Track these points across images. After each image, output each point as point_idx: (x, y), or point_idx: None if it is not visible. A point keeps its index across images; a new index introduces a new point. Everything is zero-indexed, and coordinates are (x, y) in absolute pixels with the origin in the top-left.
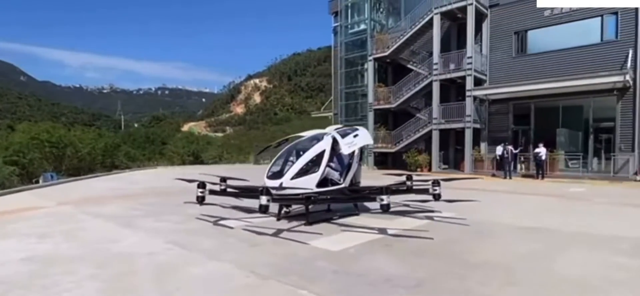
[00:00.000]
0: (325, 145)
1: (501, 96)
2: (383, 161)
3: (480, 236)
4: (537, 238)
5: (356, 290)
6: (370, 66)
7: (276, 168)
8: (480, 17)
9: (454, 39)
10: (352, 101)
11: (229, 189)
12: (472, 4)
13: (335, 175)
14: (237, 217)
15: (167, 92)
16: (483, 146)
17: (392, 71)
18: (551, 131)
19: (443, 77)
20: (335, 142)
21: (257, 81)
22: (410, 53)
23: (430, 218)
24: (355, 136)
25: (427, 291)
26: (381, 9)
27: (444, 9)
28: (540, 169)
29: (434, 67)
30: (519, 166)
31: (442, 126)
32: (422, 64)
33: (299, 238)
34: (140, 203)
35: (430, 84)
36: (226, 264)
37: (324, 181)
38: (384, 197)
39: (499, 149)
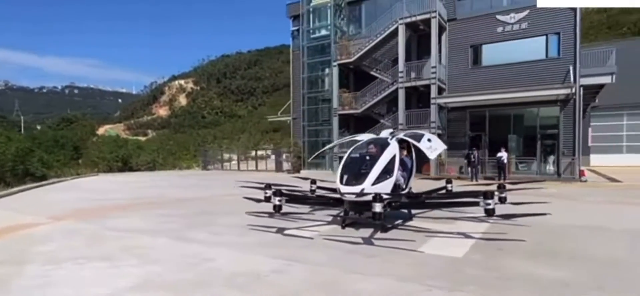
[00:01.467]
0: (395, 150)
1: (459, 104)
2: None
3: (560, 237)
4: (608, 235)
5: (546, 292)
6: (334, 72)
7: (347, 175)
8: (440, 30)
9: (414, 49)
10: (313, 105)
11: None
12: (435, 17)
13: (401, 180)
14: (296, 226)
15: (76, 91)
16: (443, 151)
17: (354, 77)
18: (504, 136)
19: (408, 85)
20: (401, 148)
21: (182, 82)
22: (372, 60)
23: (485, 220)
24: (429, 140)
25: (604, 288)
26: (342, 16)
27: (408, 20)
28: (502, 172)
29: (400, 75)
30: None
31: (408, 132)
32: (385, 71)
33: (395, 245)
34: (156, 213)
35: (395, 91)
36: (388, 279)
37: (394, 187)
38: (490, 201)
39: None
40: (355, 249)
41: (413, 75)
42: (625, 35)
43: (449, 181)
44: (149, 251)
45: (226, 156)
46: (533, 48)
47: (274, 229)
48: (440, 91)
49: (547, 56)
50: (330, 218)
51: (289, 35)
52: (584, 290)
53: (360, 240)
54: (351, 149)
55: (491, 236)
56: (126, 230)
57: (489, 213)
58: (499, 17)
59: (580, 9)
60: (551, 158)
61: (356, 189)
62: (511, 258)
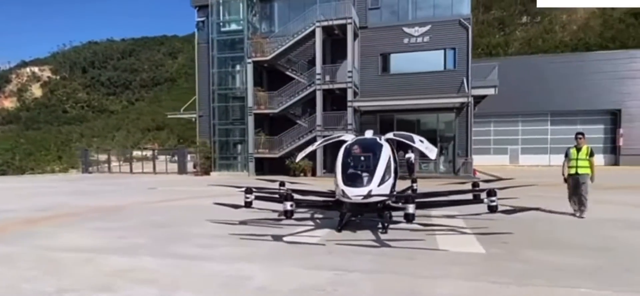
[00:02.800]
0: (389, 151)
1: (371, 108)
2: (259, 168)
3: (545, 226)
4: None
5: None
6: (249, 69)
7: (349, 176)
8: (353, 36)
9: (328, 52)
10: (223, 102)
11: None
12: (351, 23)
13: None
14: (285, 233)
15: None
16: None
17: (267, 75)
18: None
19: (325, 87)
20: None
21: (35, 69)
22: (288, 60)
23: (456, 216)
24: (421, 141)
25: (632, 270)
26: (254, 12)
27: (325, 23)
28: (412, 171)
29: (317, 77)
30: None
31: (326, 133)
32: (301, 72)
33: (412, 245)
34: (95, 227)
35: (312, 93)
36: (457, 280)
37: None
38: (494, 199)
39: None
40: (383, 252)
41: (327, 78)
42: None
43: (414, 181)
44: (155, 275)
45: (102, 157)
46: (434, 60)
47: (268, 237)
48: (354, 94)
49: (445, 67)
50: (310, 222)
51: (177, 23)
52: (617, 273)
53: (373, 242)
54: (343, 149)
55: (484, 231)
56: (80, 250)
57: (493, 209)
58: (405, 29)
59: (472, 29)
60: (446, 158)
61: (363, 191)
62: (527, 250)
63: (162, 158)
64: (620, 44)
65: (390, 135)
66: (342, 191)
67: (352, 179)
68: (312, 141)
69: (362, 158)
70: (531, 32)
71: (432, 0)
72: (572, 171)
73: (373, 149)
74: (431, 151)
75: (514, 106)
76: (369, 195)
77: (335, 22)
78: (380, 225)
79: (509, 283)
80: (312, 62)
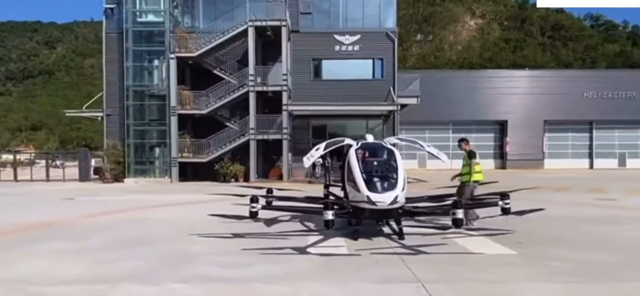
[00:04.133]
0: (399, 155)
1: (305, 113)
2: (182, 173)
3: (538, 223)
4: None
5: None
6: (172, 65)
7: (371, 182)
8: (287, 39)
9: (259, 53)
10: (139, 101)
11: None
12: (285, 25)
13: None
14: (295, 244)
15: None
16: (288, 156)
17: (191, 73)
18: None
19: (259, 89)
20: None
21: None
22: (215, 59)
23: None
24: (429, 145)
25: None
26: (175, 4)
27: (258, 23)
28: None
29: (250, 78)
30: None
31: (260, 137)
32: (231, 72)
33: (447, 250)
34: (53, 250)
35: (244, 94)
36: (537, 283)
37: None
38: (508, 201)
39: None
40: (428, 259)
41: (259, 80)
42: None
43: None
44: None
45: None
46: (363, 68)
47: (288, 250)
48: (288, 98)
49: (373, 76)
50: (307, 229)
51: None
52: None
53: (404, 250)
54: (353, 154)
55: (486, 233)
56: (71, 282)
57: (506, 211)
58: (336, 36)
59: (397, 41)
60: None
61: (389, 196)
62: (549, 247)
63: (42, 162)
64: (496, 64)
65: (394, 139)
66: (367, 197)
67: (376, 185)
68: (246, 144)
69: (383, 164)
70: (425, 49)
71: (361, 11)
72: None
73: (389, 153)
74: (441, 155)
75: (422, 115)
76: (395, 201)
77: (270, 23)
78: (390, 231)
79: (579, 282)
80: (241, 62)
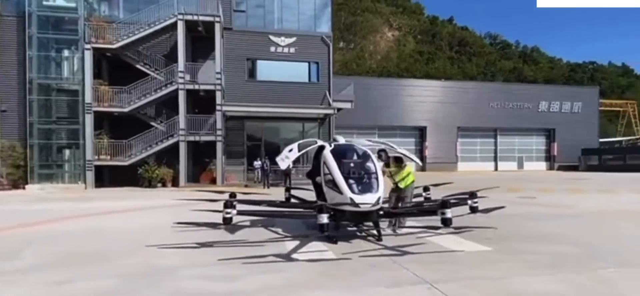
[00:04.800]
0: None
1: (239, 114)
2: (98, 178)
3: (492, 221)
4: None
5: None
6: (87, 57)
7: (354, 184)
8: (221, 35)
9: (188, 50)
10: (44, 96)
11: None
12: (219, 21)
13: None
14: (277, 251)
15: None
16: (222, 159)
17: (108, 67)
18: (277, 147)
19: (190, 87)
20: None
21: None
22: (138, 53)
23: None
24: (399, 148)
25: (618, 253)
26: None
27: (189, 17)
28: (288, 178)
29: (180, 75)
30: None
31: (190, 138)
32: (157, 68)
33: (427, 249)
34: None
35: (172, 92)
36: (529, 277)
37: None
38: (476, 201)
39: (258, 163)
40: (419, 259)
41: (188, 77)
42: None
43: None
44: None
45: None
46: (299, 71)
47: (271, 257)
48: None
49: (309, 80)
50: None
51: None
52: (602, 256)
53: (389, 251)
54: (330, 156)
55: (454, 231)
56: None
57: (474, 210)
58: (272, 37)
59: (332, 46)
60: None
61: (372, 198)
62: (515, 243)
63: None
64: (411, 74)
65: (365, 141)
66: (351, 199)
67: (359, 188)
68: (174, 146)
69: (362, 166)
70: (347, 56)
71: (296, 14)
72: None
73: (366, 156)
74: (415, 158)
75: (350, 120)
76: (377, 202)
77: (202, 18)
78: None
79: (563, 272)
80: (168, 58)
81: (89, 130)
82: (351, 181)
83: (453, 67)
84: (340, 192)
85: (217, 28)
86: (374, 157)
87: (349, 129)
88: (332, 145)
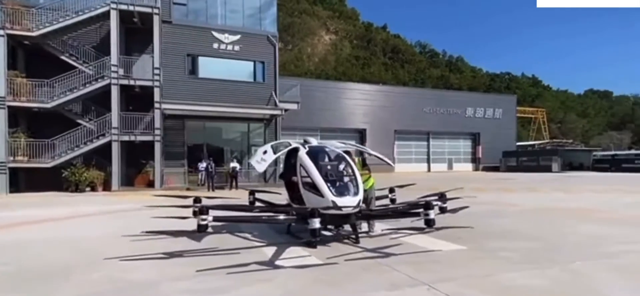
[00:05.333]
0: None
1: (179, 112)
2: (14, 182)
3: (452, 220)
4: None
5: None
6: (1, 44)
7: (334, 186)
8: (159, 29)
9: (122, 42)
10: None
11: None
12: (157, 13)
13: None
14: (259, 259)
15: None
16: (160, 160)
17: (26, 57)
18: (220, 148)
19: (124, 82)
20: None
21: None
22: (63, 42)
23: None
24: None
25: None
26: None
27: (123, 7)
28: (235, 181)
29: (113, 69)
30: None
31: (125, 137)
32: (87, 60)
33: (406, 250)
34: None
35: (104, 87)
36: (510, 273)
37: None
38: (446, 202)
39: (202, 165)
40: (406, 260)
41: (122, 72)
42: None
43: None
44: None
45: None
46: (244, 70)
47: (254, 266)
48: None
49: (255, 79)
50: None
51: None
52: (563, 250)
53: (370, 254)
54: (306, 158)
55: (453, 227)
56: None
57: (443, 210)
58: (215, 33)
59: (278, 46)
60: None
61: (354, 200)
62: (485, 240)
63: None
64: (348, 77)
65: (337, 142)
66: (333, 202)
67: (341, 190)
68: (106, 146)
69: (340, 168)
70: (285, 57)
71: (241, 11)
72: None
73: (343, 157)
74: (388, 160)
75: (293, 121)
76: (358, 205)
77: (138, 8)
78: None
79: (539, 267)
80: (98, 50)
81: (1, 127)
82: (332, 184)
83: (387, 72)
84: (321, 195)
85: (156, 20)
86: (349, 159)
87: (291, 130)
88: (306, 147)
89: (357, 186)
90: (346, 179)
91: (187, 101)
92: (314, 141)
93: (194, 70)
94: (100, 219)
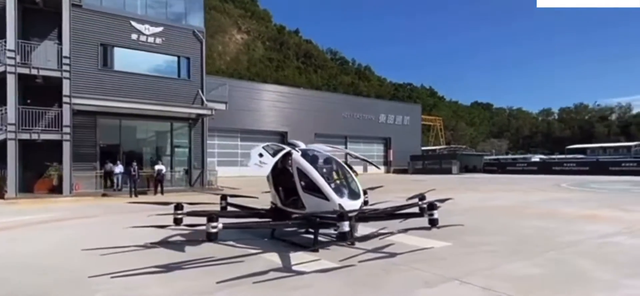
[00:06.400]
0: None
1: (90, 108)
2: None
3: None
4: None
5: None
6: None
7: (338, 189)
8: (61, 13)
9: (18, 25)
10: None
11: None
12: None
13: None
14: (276, 264)
15: None
16: (70, 162)
17: None
18: (139, 148)
19: (24, 71)
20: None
21: None
22: None
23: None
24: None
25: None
26: None
27: None
28: (160, 185)
29: (9, 55)
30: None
31: (24, 136)
32: None
33: (406, 249)
34: None
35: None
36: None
37: None
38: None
39: (118, 167)
40: (414, 258)
41: (18, 59)
42: None
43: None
44: None
45: None
46: (168, 65)
47: (273, 273)
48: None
49: (179, 76)
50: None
51: None
52: (532, 243)
53: (373, 254)
54: (304, 162)
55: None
56: None
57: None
58: (134, 23)
59: (205, 42)
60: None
61: (357, 203)
62: (464, 236)
63: None
64: (262, 79)
65: (324, 147)
66: (340, 205)
67: (345, 193)
68: (2, 144)
69: (337, 171)
70: None
71: (164, 2)
72: None
73: (338, 161)
74: (376, 165)
75: (211, 122)
76: (361, 207)
77: None
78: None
79: (524, 259)
80: None
81: None
82: (337, 188)
83: (301, 76)
84: (325, 198)
85: (66, 2)
86: (342, 163)
87: (210, 131)
88: (298, 150)
89: (358, 189)
90: (350, 182)
91: (100, 96)
92: (302, 145)
93: (108, 62)
94: (25, 232)
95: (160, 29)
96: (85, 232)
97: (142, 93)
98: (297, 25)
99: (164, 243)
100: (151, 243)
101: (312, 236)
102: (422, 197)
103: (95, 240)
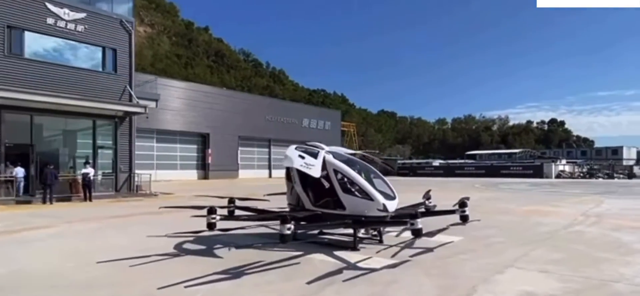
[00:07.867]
0: None
1: None
2: None
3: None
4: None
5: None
6: None
7: (378, 190)
8: None
9: None
10: None
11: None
12: None
13: None
14: (326, 264)
15: None
16: None
17: None
18: (55, 148)
19: None
20: None
21: None
22: None
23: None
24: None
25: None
26: None
27: None
28: (88, 190)
29: None
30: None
31: None
32: None
33: (430, 245)
34: None
35: None
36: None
37: None
38: (466, 209)
39: (21, 171)
40: (449, 252)
41: None
42: None
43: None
44: None
45: None
46: (91, 56)
47: (346, 272)
48: None
49: (104, 68)
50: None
51: None
52: (527, 237)
53: (410, 250)
54: (340, 164)
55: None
56: None
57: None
58: (50, 6)
59: (134, 33)
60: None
61: (395, 203)
62: (471, 231)
63: None
64: (169, 75)
65: (344, 149)
66: (384, 205)
67: (385, 193)
68: None
69: (372, 171)
70: None
71: None
72: None
73: (366, 164)
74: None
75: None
76: (397, 207)
77: None
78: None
79: (535, 248)
80: None
81: None
82: (378, 188)
83: (213, 76)
84: (369, 198)
85: None
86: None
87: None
88: (328, 152)
89: (393, 189)
90: (387, 183)
91: (6, 87)
92: (325, 147)
93: (16, 47)
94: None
95: (82, 15)
96: (78, 243)
97: (59, 86)
98: (206, 23)
99: (187, 251)
100: (175, 250)
101: (330, 237)
102: (428, 196)
103: (98, 252)
